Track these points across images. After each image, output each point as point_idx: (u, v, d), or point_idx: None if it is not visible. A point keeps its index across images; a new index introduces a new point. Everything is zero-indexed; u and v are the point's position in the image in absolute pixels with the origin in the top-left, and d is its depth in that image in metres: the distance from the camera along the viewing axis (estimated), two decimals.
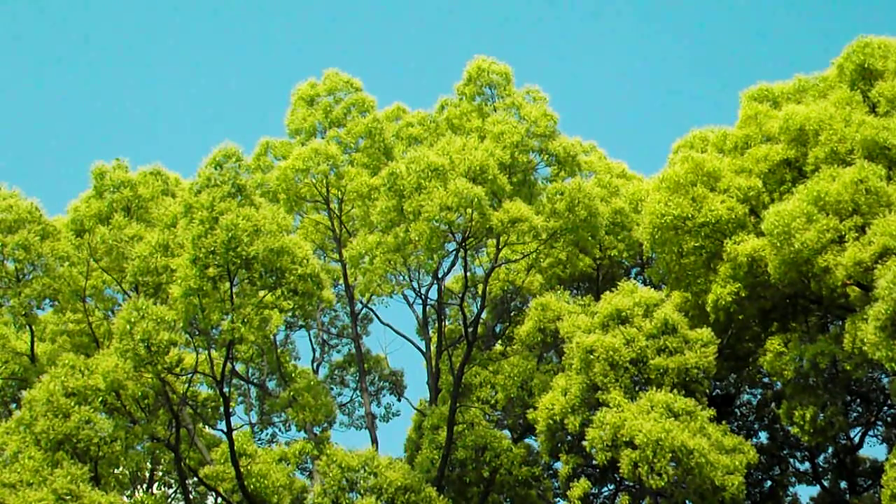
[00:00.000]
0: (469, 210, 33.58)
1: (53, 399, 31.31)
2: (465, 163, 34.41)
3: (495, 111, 39.64)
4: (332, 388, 49.16)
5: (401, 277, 36.37)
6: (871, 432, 43.00)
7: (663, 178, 36.65)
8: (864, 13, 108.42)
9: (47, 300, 36.60)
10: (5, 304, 36.11)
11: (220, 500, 35.84)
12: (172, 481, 40.47)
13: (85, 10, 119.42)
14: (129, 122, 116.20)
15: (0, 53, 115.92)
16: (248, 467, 33.84)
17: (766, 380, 43.08)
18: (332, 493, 33.95)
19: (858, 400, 42.48)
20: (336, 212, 41.28)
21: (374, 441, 40.87)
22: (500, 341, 43.72)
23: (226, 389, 33.07)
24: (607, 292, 35.88)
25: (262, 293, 31.03)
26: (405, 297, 43.35)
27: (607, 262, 43.28)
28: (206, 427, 41.36)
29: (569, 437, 34.68)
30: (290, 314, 33.30)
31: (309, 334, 48.19)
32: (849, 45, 36.72)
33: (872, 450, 56.28)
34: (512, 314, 43.46)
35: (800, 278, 33.63)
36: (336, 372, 49.82)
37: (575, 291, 43.10)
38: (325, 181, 39.88)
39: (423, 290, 38.24)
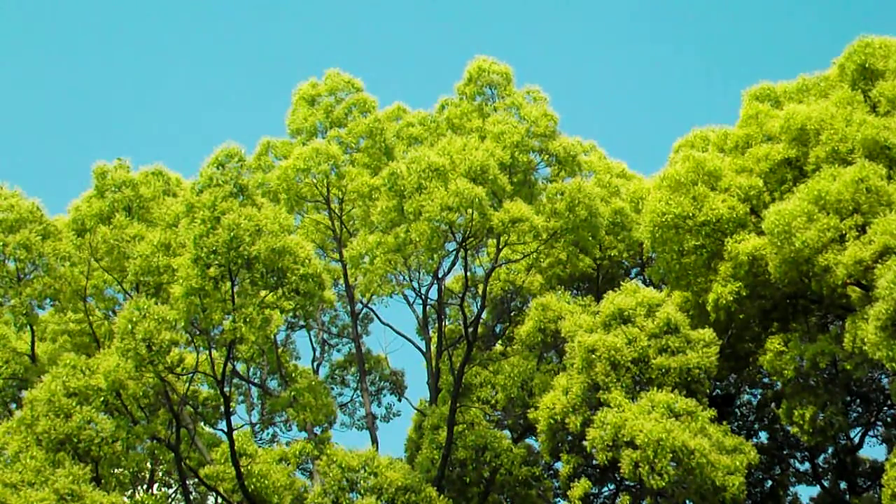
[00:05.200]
0: (470, 210, 33.60)
1: (55, 399, 31.36)
2: (465, 163, 34.44)
3: (496, 111, 39.66)
4: (332, 388, 49.15)
5: (401, 277, 36.41)
6: (871, 432, 43.03)
7: (664, 177, 36.72)
8: (866, 13, 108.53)
9: (48, 300, 36.59)
10: (6, 303, 36.11)
11: (220, 500, 35.83)
12: (173, 481, 40.45)
13: (85, 9, 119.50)
14: (129, 122, 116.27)
15: (0, 53, 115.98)
16: (249, 467, 33.83)
17: (766, 380, 43.10)
18: (332, 493, 33.96)
19: (858, 400, 42.50)
20: (337, 212, 41.28)
21: (375, 441, 40.87)
22: (500, 341, 43.73)
23: (226, 389, 33.07)
24: (609, 292, 35.88)
25: (263, 293, 31.02)
26: (405, 297, 43.33)
27: (607, 262, 43.29)
28: (207, 427, 41.36)
29: (569, 437, 34.64)
30: (291, 314, 33.31)
31: (309, 334, 48.20)
32: (850, 45, 36.76)
33: (872, 450, 56.47)
34: (512, 314, 43.47)
35: (800, 277, 33.67)
36: (336, 372, 49.81)
37: (575, 291, 43.10)
38: (325, 181, 39.85)
39: (423, 290, 38.30)
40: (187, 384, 33.14)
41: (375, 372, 49.20)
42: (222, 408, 35.97)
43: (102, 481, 32.00)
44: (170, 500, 40.90)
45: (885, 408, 42.28)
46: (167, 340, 30.02)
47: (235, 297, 30.63)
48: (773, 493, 43.99)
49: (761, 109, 38.01)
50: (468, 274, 37.55)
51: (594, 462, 33.44)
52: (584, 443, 32.33)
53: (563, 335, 35.85)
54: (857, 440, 42.73)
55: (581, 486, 33.69)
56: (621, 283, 37.16)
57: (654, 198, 36.56)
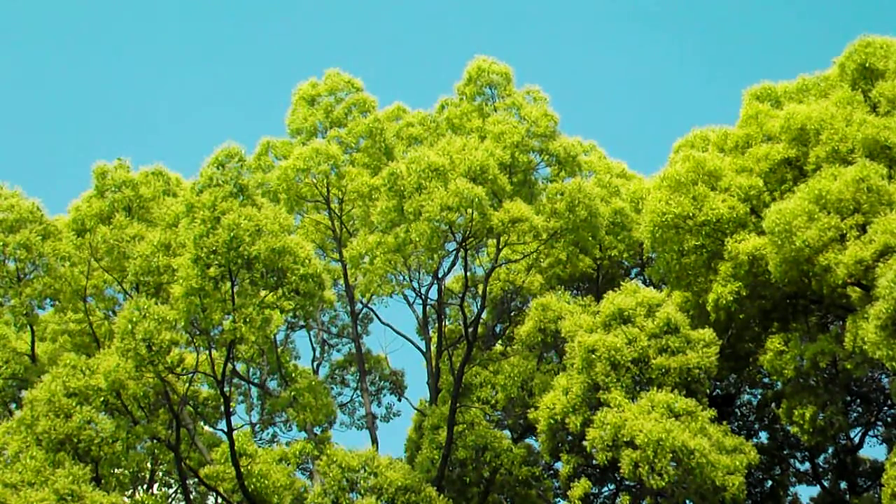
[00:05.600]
0: (470, 210, 33.60)
1: (55, 399, 31.32)
2: (465, 163, 34.43)
3: (496, 111, 39.66)
4: (332, 388, 49.16)
5: (401, 277, 36.37)
6: (871, 432, 43.04)
7: (664, 177, 36.72)
8: (866, 13, 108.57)
9: (48, 300, 36.60)
10: (6, 303, 36.12)
11: (220, 500, 35.82)
12: (173, 481, 40.43)
13: (85, 9, 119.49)
14: (129, 122, 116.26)
15: (1, 52, 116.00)
16: (249, 467, 33.79)
17: (766, 380, 43.09)
18: (332, 493, 33.94)
19: (858, 400, 42.51)
20: (337, 212, 41.28)
21: (375, 441, 40.88)
22: (500, 341, 43.71)
23: (226, 389, 33.04)
24: (609, 292, 35.87)
25: (263, 293, 31.01)
26: (405, 297, 43.35)
27: (607, 262, 43.29)
28: (207, 427, 41.34)
29: (569, 437, 34.63)
30: (291, 314, 33.28)
31: (309, 334, 48.24)
32: (850, 45, 36.79)
33: (872, 450, 56.39)
34: (512, 314, 43.45)
35: (800, 277, 33.66)
36: (336, 372, 49.82)
37: (575, 291, 43.09)
38: (325, 181, 39.87)
39: (423, 290, 38.29)
40: (187, 384, 33.11)
41: (375, 372, 49.20)
42: (222, 408, 35.98)
43: (102, 481, 31.96)
44: (170, 500, 40.87)
45: (885, 408, 42.29)
46: (167, 340, 29.99)
47: (235, 297, 30.61)
48: (773, 493, 43.98)
49: (761, 109, 38.01)
50: (468, 274, 37.54)
51: (594, 462, 33.39)
52: (584, 443, 32.30)
53: (563, 335, 35.83)
54: (857, 440, 42.75)
55: (581, 486, 33.68)
56: (621, 283, 37.15)
57: (654, 198, 36.56)
